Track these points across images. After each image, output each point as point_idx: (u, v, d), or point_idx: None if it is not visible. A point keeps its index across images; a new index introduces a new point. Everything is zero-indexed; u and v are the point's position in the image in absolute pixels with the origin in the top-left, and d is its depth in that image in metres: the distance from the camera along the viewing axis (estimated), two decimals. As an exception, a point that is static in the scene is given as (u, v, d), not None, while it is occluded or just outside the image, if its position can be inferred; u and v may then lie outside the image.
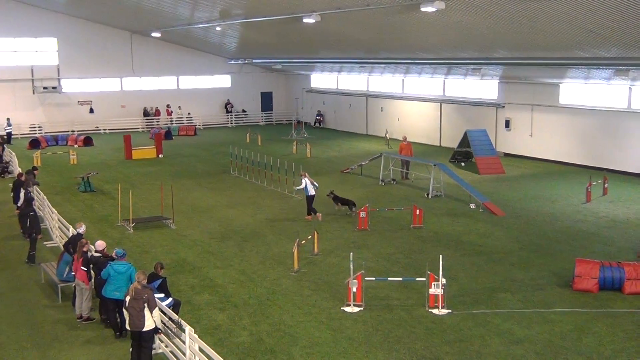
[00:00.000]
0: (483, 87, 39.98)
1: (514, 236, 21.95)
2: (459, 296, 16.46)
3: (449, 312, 15.42)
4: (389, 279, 17.12)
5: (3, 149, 35.29)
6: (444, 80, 42.56)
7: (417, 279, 16.64)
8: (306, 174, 24.75)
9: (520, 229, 22.81)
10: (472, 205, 25.90)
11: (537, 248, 20.61)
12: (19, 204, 22.24)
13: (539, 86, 36.14)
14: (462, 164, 35.75)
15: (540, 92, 36.20)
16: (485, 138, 35.24)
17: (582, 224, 23.42)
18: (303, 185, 24.35)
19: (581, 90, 34.15)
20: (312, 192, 24.34)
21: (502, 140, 38.75)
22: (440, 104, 43.05)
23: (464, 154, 36.19)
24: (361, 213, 22.71)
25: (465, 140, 35.57)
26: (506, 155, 37.97)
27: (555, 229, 22.85)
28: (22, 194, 22.21)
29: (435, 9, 22.80)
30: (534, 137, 36.90)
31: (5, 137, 44.00)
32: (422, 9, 23.30)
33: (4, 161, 34.34)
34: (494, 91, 39.25)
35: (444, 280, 15.55)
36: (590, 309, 15.65)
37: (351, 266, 16.15)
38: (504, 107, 38.45)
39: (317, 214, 24.20)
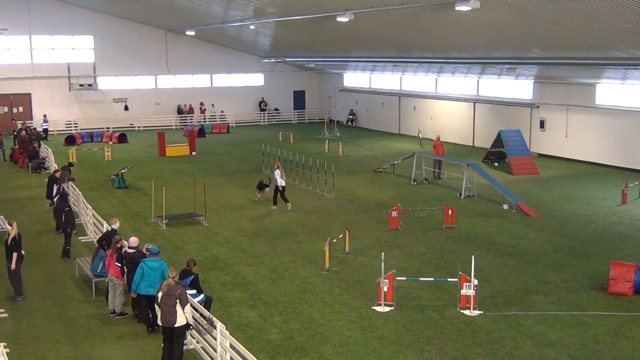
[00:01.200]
0: (517, 87, 39.58)
1: (547, 238, 21.72)
2: (491, 297, 16.33)
3: (480, 314, 15.31)
4: (420, 279, 17.04)
5: (39, 145, 35.83)
6: (478, 80, 42.23)
7: (449, 279, 16.56)
8: (279, 165, 25.79)
9: (554, 231, 22.56)
10: (505, 206, 25.67)
11: (571, 250, 20.36)
12: (54, 199, 22.53)
13: (575, 86, 35.67)
14: (496, 164, 35.45)
15: (576, 93, 35.73)
16: (519, 138, 34.91)
17: (618, 226, 23.08)
18: (276, 177, 25.30)
19: (618, 90, 33.63)
20: (282, 183, 25.35)
21: (536, 140, 38.34)
22: (474, 103, 42.73)
23: (497, 154, 35.89)
24: (393, 213, 22.64)
25: (498, 141, 35.28)
26: (540, 155, 37.56)
27: (589, 230, 22.56)
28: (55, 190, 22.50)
29: (470, 8, 22.66)
30: (569, 137, 36.45)
31: (42, 133, 44.63)
32: (457, 8, 23.16)
33: (40, 157, 34.86)
34: (528, 91, 38.84)
35: (476, 281, 15.44)
36: (625, 313, 15.42)
37: (382, 265, 16.11)
38: (538, 107, 38.04)
39: (288, 203, 25.39)
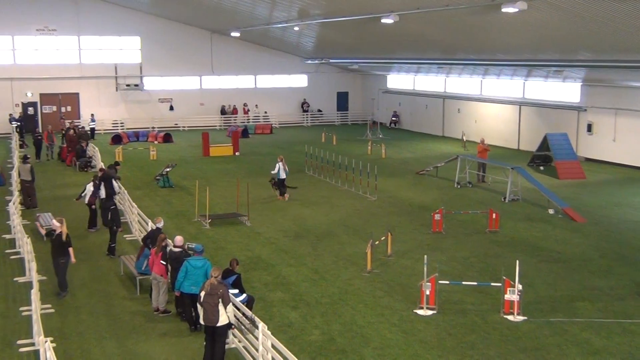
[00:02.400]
0: (564, 89, 38.95)
1: (594, 243, 21.33)
2: (535, 303, 16.10)
3: (524, 319, 15.10)
4: (463, 282, 16.90)
5: (87, 144, 36.44)
6: (524, 82, 41.70)
7: (492, 284, 16.37)
8: (282, 158, 27.58)
9: (601, 237, 22.15)
10: (551, 211, 25.28)
11: (618, 256, 19.96)
12: (101, 196, 22.84)
13: (624, 89, 34.97)
14: (541, 168, 34.95)
15: (625, 96, 35.02)
16: (566, 142, 34.36)
17: (667, 233, 22.57)
18: (277, 170, 27.27)
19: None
20: (283, 175, 27.35)
21: (583, 144, 37.70)
22: (520, 106, 42.20)
23: (543, 157, 35.37)
24: (436, 215, 22.48)
25: (544, 144, 34.78)
26: (587, 160, 36.92)
27: (637, 237, 22.08)
28: (102, 190, 22.78)
29: (517, 10, 22.38)
30: (617, 142, 35.73)
31: (89, 132, 45.39)
32: (504, 10, 22.91)
33: (87, 156, 35.46)
34: (576, 94, 38.20)
35: (520, 286, 15.24)
36: (674, 322, 15.08)
37: (425, 269, 16.00)
38: (586, 110, 37.39)
39: (285, 195, 27.39)
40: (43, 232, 17.58)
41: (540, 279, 17.87)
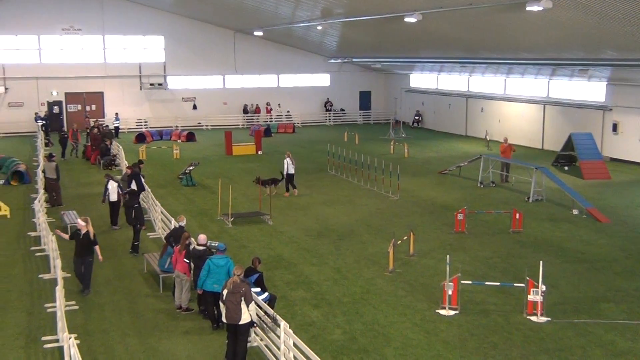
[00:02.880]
0: (589, 88, 38.57)
1: (619, 244, 21.10)
2: (559, 304, 15.96)
3: (548, 320, 14.98)
4: (486, 283, 16.80)
5: (111, 143, 36.74)
6: (548, 81, 41.36)
7: (516, 284, 16.25)
8: (289, 154, 28.37)
9: (626, 237, 21.91)
10: (575, 211, 25.06)
11: (643, 257, 19.75)
12: (106, 196, 23.04)
13: (651, 89, 34.59)
14: (566, 167, 34.65)
15: (652, 95, 34.64)
16: (591, 142, 34.02)
17: (694, 234, 22.27)
18: (285, 167, 27.99)
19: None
20: (291, 171, 28.13)
21: (608, 144, 37.32)
22: (544, 105, 41.86)
23: (567, 157, 35.07)
24: (459, 215, 22.38)
25: (569, 144, 34.47)
26: (612, 160, 36.53)
27: (664, 238, 21.84)
28: (133, 185, 22.96)
29: (541, 8, 22.24)
30: (644, 141, 35.38)
31: (113, 131, 45.76)
32: (528, 8, 22.77)
33: (111, 154, 35.74)
34: (601, 93, 37.79)
35: (543, 287, 15.11)
36: (701, 324, 14.87)
37: (447, 268, 15.93)
38: (611, 110, 37.00)
39: (295, 189, 28.23)
40: (66, 237, 17.65)
41: (564, 280, 17.72)
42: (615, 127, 36.75)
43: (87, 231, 16.79)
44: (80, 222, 17.08)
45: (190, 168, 31.21)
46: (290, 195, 27.96)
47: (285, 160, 28.09)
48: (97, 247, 16.94)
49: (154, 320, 15.25)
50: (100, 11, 49.46)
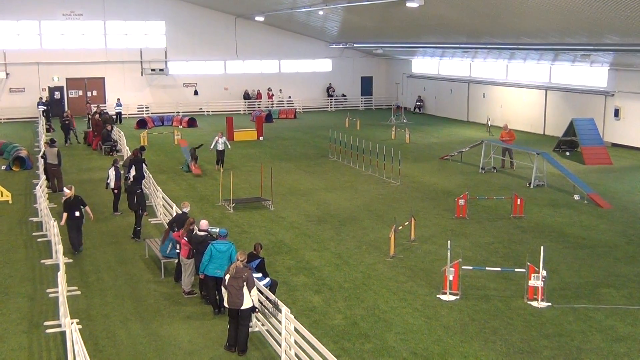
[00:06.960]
0: (591, 74, 38.45)
1: (620, 230, 21.12)
2: (559, 289, 16.01)
3: (548, 305, 15.03)
4: (487, 268, 16.82)
5: (112, 128, 36.71)
6: (550, 67, 41.24)
7: (516, 269, 16.28)
8: (222, 134, 31.10)
9: (627, 223, 21.92)
10: (577, 197, 25.06)
11: (644, 243, 19.77)
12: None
13: (653, 74, 34.48)
14: (567, 153, 34.63)
15: (654, 80, 34.53)
16: (593, 127, 33.97)
17: (695, 219, 22.28)
18: (213, 144, 30.68)
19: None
20: (220, 147, 30.55)
21: (610, 129, 37.25)
22: (546, 91, 41.76)
23: (569, 143, 35.04)
24: (460, 201, 22.39)
25: (570, 129, 34.43)
26: (614, 145, 36.49)
27: (665, 223, 21.85)
28: (133, 171, 22.94)
29: (543, -7, 22.11)
30: (645, 127, 35.31)
31: (115, 116, 45.70)
32: (530, -7, 22.64)
33: (112, 140, 35.72)
34: (603, 78, 37.69)
35: (544, 272, 15.15)
36: (701, 309, 14.91)
37: (448, 254, 15.97)
38: (613, 95, 36.91)
39: (221, 166, 30.17)
40: (62, 221, 18.59)
41: (565, 265, 17.76)
42: (617, 113, 36.68)
43: (71, 195, 18.55)
44: (66, 190, 18.95)
45: (197, 148, 31.18)
46: (219, 171, 29.13)
47: (215, 138, 30.74)
48: (87, 208, 18.97)
49: (156, 306, 15.30)
50: (101, -4, 49.38)
